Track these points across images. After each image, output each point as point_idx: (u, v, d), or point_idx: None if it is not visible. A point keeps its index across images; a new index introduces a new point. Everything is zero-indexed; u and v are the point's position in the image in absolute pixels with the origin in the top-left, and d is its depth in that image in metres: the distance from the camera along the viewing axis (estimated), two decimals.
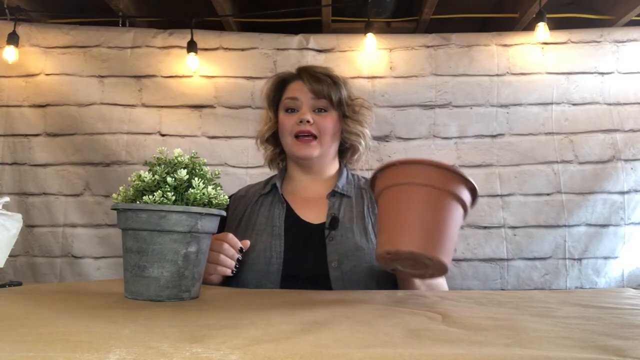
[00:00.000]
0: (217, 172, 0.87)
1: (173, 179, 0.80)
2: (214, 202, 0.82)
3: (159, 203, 0.78)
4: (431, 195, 0.81)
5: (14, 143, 2.15)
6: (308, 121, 1.24)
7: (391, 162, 0.86)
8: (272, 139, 1.38)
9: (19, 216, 1.02)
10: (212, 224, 0.84)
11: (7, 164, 2.15)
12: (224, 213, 0.85)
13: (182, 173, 0.81)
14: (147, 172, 0.81)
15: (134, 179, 0.81)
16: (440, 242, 0.81)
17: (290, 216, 1.25)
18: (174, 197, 0.79)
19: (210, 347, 0.46)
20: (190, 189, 0.80)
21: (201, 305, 0.78)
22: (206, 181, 0.83)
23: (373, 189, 0.89)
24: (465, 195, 0.84)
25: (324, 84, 1.27)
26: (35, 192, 2.13)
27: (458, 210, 0.84)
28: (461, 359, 0.44)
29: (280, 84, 1.35)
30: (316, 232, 1.18)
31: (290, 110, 1.29)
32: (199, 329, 0.55)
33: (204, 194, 0.81)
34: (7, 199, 0.99)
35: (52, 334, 0.51)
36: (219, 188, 0.84)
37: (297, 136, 1.26)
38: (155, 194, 0.78)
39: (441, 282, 1.20)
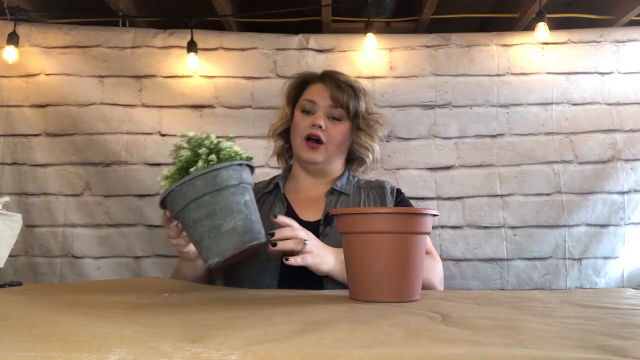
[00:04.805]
0: (230, 137, 0.98)
1: (205, 149, 0.89)
2: (244, 157, 0.94)
3: None
4: (395, 242, 0.82)
5: (14, 143, 2.15)
6: (320, 126, 1.27)
7: (352, 209, 0.89)
8: (284, 134, 1.42)
9: (19, 216, 1.02)
10: (250, 177, 0.95)
11: (7, 164, 2.14)
12: (252, 165, 0.97)
13: (207, 145, 0.91)
14: (182, 150, 0.91)
15: (175, 157, 0.91)
16: (409, 284, 0.83)
17: (290, 215, 1.26)
18: (215, 159, 0.88)
19: (210, 347, 0.46)
20: (221, 151, 0.91)
21: (201, 305, 0.78)
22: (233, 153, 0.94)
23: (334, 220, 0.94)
24: (427, 225, 0.85)
25: (344, 93, 1.29)
26: (35, 192, 2.13)
27: (423, 241, 0.86)
28: (461, 359, 0.44)
29: (302, 83, 1.38)
30: (313, 229, 1.19)
31: (306, 111, 1.31)
32: (199, 329, 0.55)
33: (235, 151, 0.92)
34: (7, 199, 0.99)
35: (52, 334, 0.51)
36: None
37: (307, 139, 1.28)
38: (198, 163, 0.87)
39: (437, 268, 1.19)
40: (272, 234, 0.98)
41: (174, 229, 1.03)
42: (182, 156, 0.89)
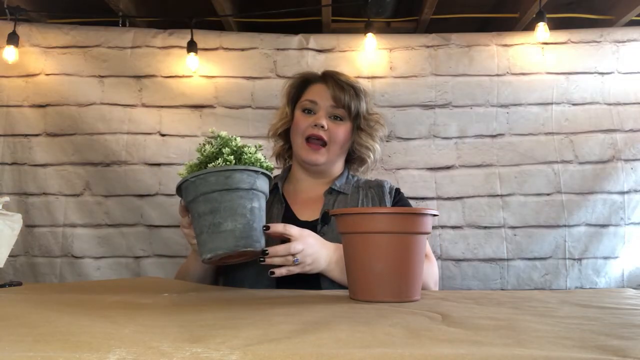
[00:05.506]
0: (259, 145, 1.00)
1: (229, 149, 0.93)
2: (264, 165, 0.96)
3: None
4: (395, 242, 0.82)
5: (14, 143, 2.15)
6: (322, 126, 1.26)
7: (352, 209, 0.89)
8: (284, 135, 1.41)
9: (19, 216, 1.02)
10: (266, 185, 0.97)
11: (7, 164, 2.14)
12: (271, 175, 0.97)
13: (231, 146, 0.93)
14: (207, 145, 0.95)
15: (199, 150, 0.94)
16: (409, 284, 0.83)
17: (288, 215, 1.26)
18: (234, 161, 0.91)
19: (210, 347, 0.46)
20: (243, 155, 0.94)
21: (201, 305, 0.78)
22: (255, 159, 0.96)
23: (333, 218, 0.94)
24: (427, 225, 0.85)
25: (346, 94, 1.29)
26: (35, 192, 2.13)
27: (423, 241, 0.85)
28: (461, 359, 0.44)
29: (303, 83, 1.37)
30: (310, 229, 1.19)
31: (307, 111, 1.31)
32: (199, 329, 0.55)
33: (256, 158, 0.95)
34: (7, 199, 0.99)
35: (52, 334, 0.51)
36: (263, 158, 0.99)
37: (308, 139, 1.27)
38: (218, 160, 0.91)
39: (433, 270, 1.19)
40: (267, 252, 0.96)
41: (187, 219, 1.05)
42: (205, 151, 0.93)
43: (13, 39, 2.06)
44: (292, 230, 1.01)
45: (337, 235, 1.16)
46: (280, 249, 0.98)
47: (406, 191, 1.48)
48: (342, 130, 1.30)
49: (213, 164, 0.91)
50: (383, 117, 1.43)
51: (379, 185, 1.34)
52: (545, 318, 0.66)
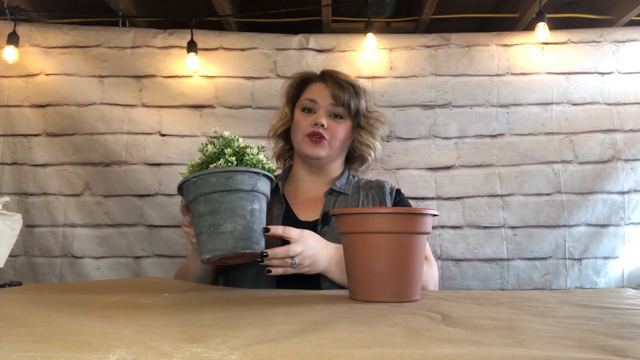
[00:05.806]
0: (261, 146, 0.99)
1: (231, 150, 0.93)
2: (266, 167, 0.96)
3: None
4: (395, 242, 0.82)
5: (14, 143, 2.15)
6: (322, 125, 1.27)
7: (352, 210, 0.90)
8: (284, 135, 1.42)
9: (19, 216, 1.02)
10: (267, 187, 0.96)
11: (7, 164, 2.14)
12: (272, 177, 0.97)
13: (234, 147, 0.93)
14: (209, 145, 0.95)
15: (201, 149, 0.95)
16: (409, 284, 0.83)
17: (288, 216, 1.26)
18: (235, 162, 0.91)
19: (210, 347, 0.46)
20: (245, 156, 0.94)
21: (201, 305, 0.78)
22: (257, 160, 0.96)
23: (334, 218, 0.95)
24: (427, 225, 0.85)
25: (345, 92, 1.29)
26: (35, 192, 2.13)
27: (423, 241, 0.85)
28: (461, 359, 0.44)
29: (302, 82, 1.37)
30: (310, 229, 1.19)
31: (307, 110, 1.31)
32: (199, 329, 0.55)
33: (258, 159, 0.95)
34: (7, 199, 1.00)
35: (52, 334, 0.51)
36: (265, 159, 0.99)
37: (308, 136, 1.28)
38: (219, 160, 0.91)
39: (432, 273, 1.19)
40: (266, 254, 0.97)
41: (187, 218, 1.05)
42: (207, 151, 0.93)
43: (13, 39, 2.06)
44: (292, 232, 1.01)
45: (337, 236, 1.16)
46: (279, 251, 0.98)
47: (406, 191, 1.48)
48: (342, 129, 1.30)
49: (215, 164, 0.90)
50: (383, 116, 1.43)
51: (379, 186, 1.34)
52: (545, 318, 0.66)
